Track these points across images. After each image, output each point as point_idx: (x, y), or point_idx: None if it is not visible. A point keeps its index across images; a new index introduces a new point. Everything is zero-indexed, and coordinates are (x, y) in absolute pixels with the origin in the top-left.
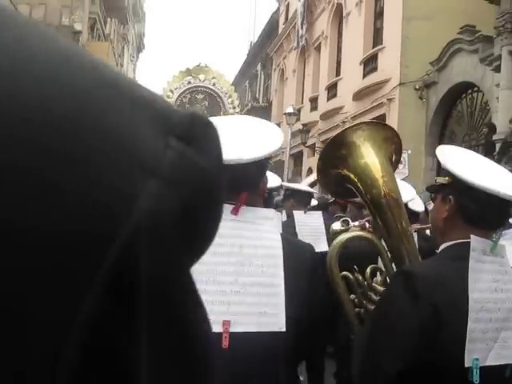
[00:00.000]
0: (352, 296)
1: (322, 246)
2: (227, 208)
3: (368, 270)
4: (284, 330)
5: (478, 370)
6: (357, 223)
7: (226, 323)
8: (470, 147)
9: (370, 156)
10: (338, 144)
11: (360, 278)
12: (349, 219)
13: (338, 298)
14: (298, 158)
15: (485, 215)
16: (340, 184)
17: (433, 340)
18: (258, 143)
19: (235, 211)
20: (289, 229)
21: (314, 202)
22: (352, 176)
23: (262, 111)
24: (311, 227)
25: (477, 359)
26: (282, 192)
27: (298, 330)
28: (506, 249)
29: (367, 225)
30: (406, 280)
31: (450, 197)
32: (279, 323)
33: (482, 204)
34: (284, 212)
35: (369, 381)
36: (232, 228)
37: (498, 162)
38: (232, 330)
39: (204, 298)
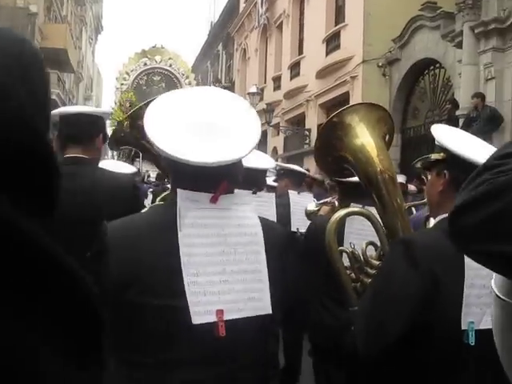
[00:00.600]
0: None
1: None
2: (207, 197)
3: (364, 245)
4: (270, 312)
5: (473, 333)
6: (324, 201)
7: (220, 312)
8: (433, 123)
9: (365, 136)
10: (334, 125)
11: (356, 252)
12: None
13: (337, 273)
14: (262, 137)
15: None
16: (337, 164)
17: (431, 304)
18: (241, 139)
19: (214, 200)
20: (279, 208)
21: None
22: (348, 155)
23: None
24: (303, 208)
25: (472, 322)
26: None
27: (281, 310)
28: None
29: (336, 204)
30: (405, 248)
31: (445, 171)
32: (266, 307)
33: None
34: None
35: (374, 342)
36: (213, 217)
37: None
38: (226, 317)
39: (196, 290)
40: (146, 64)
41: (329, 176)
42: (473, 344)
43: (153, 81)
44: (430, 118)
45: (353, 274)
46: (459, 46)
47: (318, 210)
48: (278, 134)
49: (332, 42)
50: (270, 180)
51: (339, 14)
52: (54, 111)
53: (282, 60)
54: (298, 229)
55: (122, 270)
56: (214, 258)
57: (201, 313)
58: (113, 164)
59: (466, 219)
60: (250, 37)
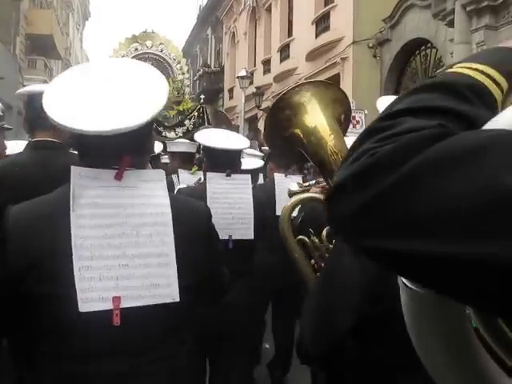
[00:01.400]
0: (312, 261)
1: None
2: (110, 174)
3: (324, 232)
4: (178, 299)
5: None
6: (313, 182)
7: (117, 299)
8: None
9: (316, 116)
10: (282, 105)
11: (317, 240)
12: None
13: (295, 263)
14: (252, 121)
15: None
16: (290, 148)
17: (382, 294)
18: (141, 106)
19: (119, 176)
20: (258, 193)
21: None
22: (299, 137)
23: (214, 76)
24: None
25: None
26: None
27: (193, 297)
28: None
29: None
30: None
31: None
32: (172, 294)
33: None
34: (261, 176)
35: (321, 338)
36: (116, 197)
37: None
38: (123, 305)
39: (90, 275)
40: (136, 49)
41: (282, 162)
42: None
43: None
44: None
45: (316, 264)
46: (451, 24)
47: (302, 191)
48: None
49: (321, 23)
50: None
51: None
52: (21, 90)
53: (271, 43)
54: None
55: (22, 256)
56: (112, 240)
57: (94, 299)
58: None
59: (342, 205)
60: (238, 20)
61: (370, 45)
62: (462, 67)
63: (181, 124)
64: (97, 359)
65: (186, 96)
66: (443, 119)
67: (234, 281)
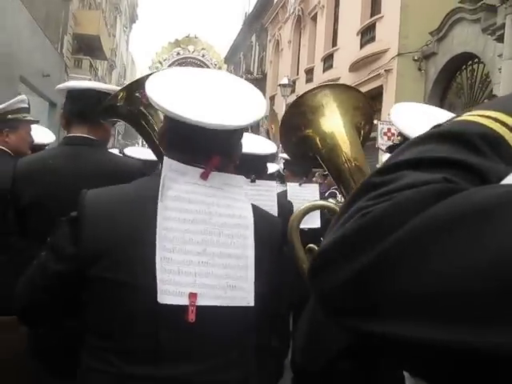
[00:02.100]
0: None
1: (314, 222)
2: (197, 172)
3: None
4: (252, 304)
5: None
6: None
7: (193, 296)
8: None
9: (333, 121)
10: (300, 108)
11: None
12: (336, 192)
13: (301, 273)
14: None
15: None
16: (303, 152)
17: None
18: (243, 109)
19: (205, 176)
20: (284, 200)
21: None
22: (314, 141)
23: (257, 83)
24: (304, 201)
25: None
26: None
27: (262, 307)
28: None
29: None
30: None
31: None
32: (248, 298)
33: None
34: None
35: (312, 357)
36: (201, 194)
37: None
38: (199, 303)
39: (170, 267)
40: (178, 53)
41: (294, 160)
42: None
43: None
44: None
45: None
46: (500, 39)
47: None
48: None
49: (367, 34)
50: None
51: (375, 5)
52: (61, 85)
53: (315, 52)
54: None
55: (96, 239)
56: (195, 236)
57: (171, 293)
58: (139, 150)
59: (328, 276)
60: (283, 28)
61: (416, 57)
62: (472, 115)
63: None
64: (166, 360)
65: None
66: (449, 173)
67: None
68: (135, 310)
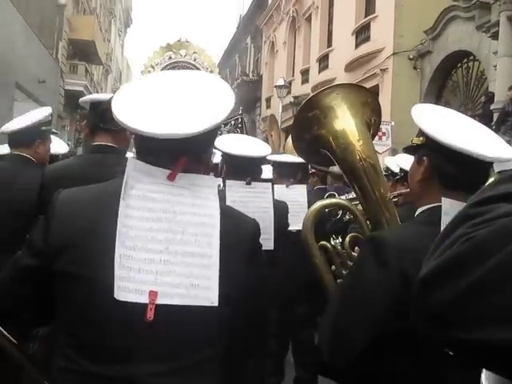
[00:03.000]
0: (333, 267)
1: (300, 224)
2: (164, 173)
3: (347, 239)
4: (216, 304)
5: None
6: (343, 197)
7: (153, 294)
8: None
9: (345, 120)
10: (312, 107)
11: (339, 247)
12: (335, 193)
13: (315, 269)
14: (289, 131)
15: (460, 176)
16: (315, 150)
17: (405, 306)
18: (200, 115)
19: (172, 177)
20: (280, 202)
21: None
22: (327, 140)
23: (253, 85)
24: (291, 203)
25: None
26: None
27: (232, 309)
28: None
29: None
30: (374, 247)
31: (425, 158)
32: (211, 297)
33: (458, 164)
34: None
35: (339, 352)
36: (166, 193)
37: (496, 132)
38: (159, 301)
39: (130, 265)
40: (170, 58)
41: (309, 163)
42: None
43: None
44: (463, 112)
45: (336, 271)
46: (495, 37)
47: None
48: None
49: (362, 33)
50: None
51: (369, 5)
52: (85, 98)
53: (310, 53)
54: None
55: (60, 233)
56: (157, 234)
57: (131, 290)
58: None
59: (436, 296)
60: (278, 29)
61: (411, 56)
62: None
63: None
64: (123, 360)
65: None
66: None
67: None
68: (93, 305)
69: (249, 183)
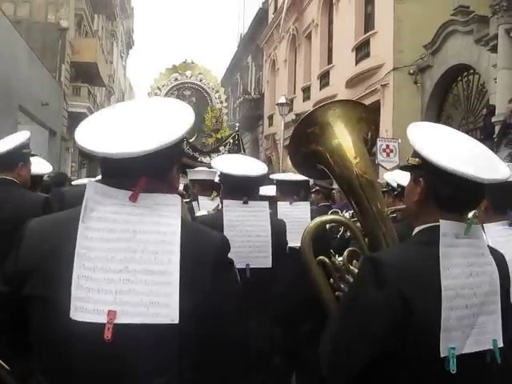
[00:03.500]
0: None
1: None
2: (126, 194)
3: (345, 253)
4: (177, 322)
5: (455, 359)
6: (347, 214)
7: (112, 313)
8: (467, 131)
9: (342, 136)
10: (309, 123)
11: (337, 261)
12: (338, 210)
13: (314, 283)
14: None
15: (457, 197)
16: (312, 165)
17: (404, 329)
18: (156, 133)
19: (133, 198)
20: (277, 221)
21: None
22: (324, 156)
23: (255, 103)
24: (295, 219)
25: (453, 348)
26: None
27: (196, 325)
28: None
29: None
30: (372, 267)
31: (421, 179)
32: (171, 314)
33: (454, 186)
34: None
35: (338, 370)
36: (127, 213)
37: (498, 145)
38: (118, 321)
39: (88, 285)
40: (176, 79)
41: (304, 175)
42: (454, 372)
43: (184, 95)
44: (465, 125)
45: (335, 284)
46: (494, 50)
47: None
48: None
49: (362, 50)
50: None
51: (369, 22)
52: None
53: (311, 70)
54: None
55: (27, 257)
56: (117, 254)
57: (89, 310)
58: None
59: None
60: (279, 47)
61: (411, 71)
62: None
63: (216, 150)
64: (79, 382)
65: (224, 124)
66: None
67: (253, 311)
68: (52, 328)
69: (246, 202)
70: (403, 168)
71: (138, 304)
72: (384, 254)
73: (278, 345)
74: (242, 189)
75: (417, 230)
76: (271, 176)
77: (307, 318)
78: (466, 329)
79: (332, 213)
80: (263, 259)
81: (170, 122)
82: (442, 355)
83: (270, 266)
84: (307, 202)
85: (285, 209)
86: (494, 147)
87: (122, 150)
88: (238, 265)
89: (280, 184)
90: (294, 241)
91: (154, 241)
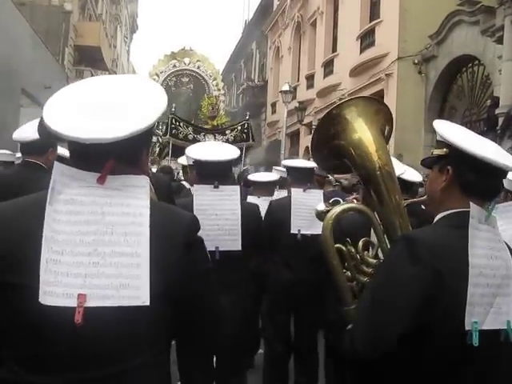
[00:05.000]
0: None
1: (317, 228)
2: (93, 176)
3: (360, 243)
4: (148, 303)
5: (477, 333)
6: (335, 199)
7: (82, 297)
8: (470, 122)
9: (363, 130)
10: (332, 119)
11: (353, 250)
12: (340, 199)
13: (332, 271)
14: (294, 136)
15: (482, 185)
16: (333, 159)
17: (434, 303)
18: (129, 117)
19: (101, 180)
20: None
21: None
22: (346, 150)
23: (258, 90)
24: (308, 207)
25: (476, 322)
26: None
27: (170, 305)
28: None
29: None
30: (408, 246)
31: (449, 167)
32: (142, 296)
33: (480, 174)
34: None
35: (375, 343)
36: (95, 196)
37: (501, 136)
38: (88, 304)
39: (57, 269)
40: (175, 66)
41: (326, 171)
42: (476, 345)
43: (181, 82)
44: (468, 117)
45: (348, 273)
46: (500, 41)
47: (329, 210)
48: (311, 133)
49: (366, 38)
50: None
51: (374, 10)
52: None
53: (315, 58)
54: (299, 230)
55: None
56: (86, 237)
57: (58, 295)
58: None
59: None
60: (283, 35)
61: (416, 61)
62: None
63: (222, 132)
64: (56, 368)
65: (221, 111)
66: None
67: (224, 292)
68: (22, 313)
69: (216, 187)
70: (425, 161)
71: (108, 287)
72: (418, 233)
73: (283, 333)
74: (212, 174)
75: (440, 215)
76: (283, 162)
77: (310, 305)
78: (487, 306)
79: (334, 201)
80: (233, 242)
81: (144, 107)
82: (466, 328)
83: (240, 249)
84: (321, 190)
85: (298, 195)
86: (498, 139)
87: (94, 135)
88: (208, 248)
89: (294, 170)
90: (305, 228)
91: (123, 223)
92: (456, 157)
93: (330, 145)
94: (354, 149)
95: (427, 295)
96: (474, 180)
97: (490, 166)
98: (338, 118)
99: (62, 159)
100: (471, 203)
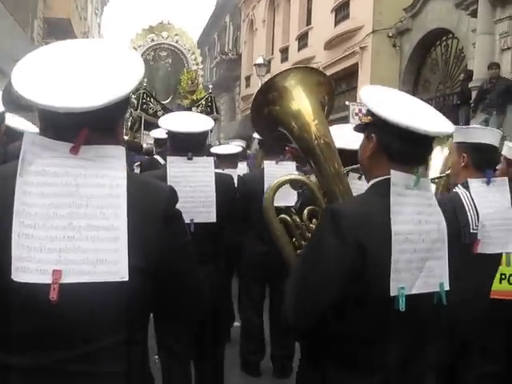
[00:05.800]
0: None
1: (290, 200)
2: (66, 146)
3: (305, 212)
4: (126, 279)
5: (404, 298)
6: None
7: (57, 273)
8: (444, 96)
9: (301, 100)
10: (270, 89)
11: (298, 220)
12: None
13: (276, 241)
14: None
15: (406, 151)
16: (274, 129)
17: (359, 277)
18: (104, 86)
19: (74, 150)
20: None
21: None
22: (284, 120)
23: (232, 63)
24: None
25: (402, 288)
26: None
27: (148, 282)
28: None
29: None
30: (331, 218)
31: (373, 135)
32: (120, 272)
33: (403, 140)
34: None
35: (304, 313)
36: (68, 166)
37: (474, 110)
38: (63, 280)
39: (30, 244)
40: (153, 40)
41: (267, 140)
42: (403, 310)
43: (160, 56)
44: (442, 90)
45: (296, 242)
46: (474, 14)
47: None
48: None
49: (341, 11)
50: None
51: None
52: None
53: (289, 31)
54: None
55: None
56: (60, 210)
57: (31, 271)
58: None
59: None
60: (257, 7)
61: (390, 34)
62: None
63: (189, 110)
64: (31, 347)
65: (200, 86)
66: None
67: (199, 264)
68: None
69: (190, 158)
70: (356, 128)
71: (85, 262)
72: (342, 205)
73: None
74: (186, 145)
75: (371, 183)
76: (253, 135)
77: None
78: (415, 271)
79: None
80: (207, 214)
81: (120, 74)
82: (391, 294)
83: (214, 221)
84: (293, 162)
85: (271, 168)
86: (471, 112)
87: (68, 104)
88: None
89: (264, 143)
90: (278, 200)
91: (99, 195)
92: (379, 124)
93: (270, 114)
94: (291, 119)
95: (351, 270)
96: (399, 147)
97: (412, 133)
98: (275, 88)
99: (12, 131)
100: (392, 171)
